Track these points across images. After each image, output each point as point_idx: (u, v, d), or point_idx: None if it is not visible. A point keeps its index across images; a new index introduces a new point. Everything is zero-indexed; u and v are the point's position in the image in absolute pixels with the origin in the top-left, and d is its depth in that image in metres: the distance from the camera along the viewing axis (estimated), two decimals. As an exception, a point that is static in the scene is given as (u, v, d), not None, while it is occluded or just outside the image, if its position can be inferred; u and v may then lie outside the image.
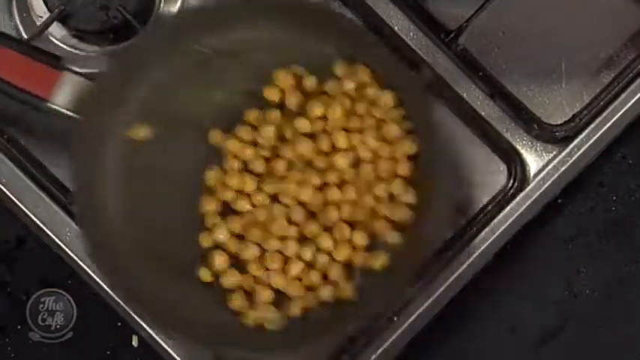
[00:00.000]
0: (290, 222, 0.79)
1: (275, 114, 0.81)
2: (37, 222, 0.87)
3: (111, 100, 0.82)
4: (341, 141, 0.79)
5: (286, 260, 0.79)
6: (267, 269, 0.80)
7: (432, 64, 0.83)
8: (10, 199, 0.87)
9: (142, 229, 0.82)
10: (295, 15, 0.81)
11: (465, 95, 0.86)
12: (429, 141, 0.78)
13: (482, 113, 0.86)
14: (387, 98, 0.79)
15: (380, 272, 0.79)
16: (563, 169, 0.86)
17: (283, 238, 0.79)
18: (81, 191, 0.81)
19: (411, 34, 0.87)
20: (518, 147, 0.86)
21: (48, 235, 0.87)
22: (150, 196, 0.82)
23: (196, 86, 0.83)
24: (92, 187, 0.82)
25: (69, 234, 0.87)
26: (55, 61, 0.82)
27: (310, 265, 0.79)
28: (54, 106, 0.81)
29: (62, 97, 0.81)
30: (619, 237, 0.90)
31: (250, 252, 0.80)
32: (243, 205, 0.80)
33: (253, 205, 0.80)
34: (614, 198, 0.90)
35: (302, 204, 0.80)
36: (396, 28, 0.86)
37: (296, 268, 0.79)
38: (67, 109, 0.81)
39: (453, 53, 0.87)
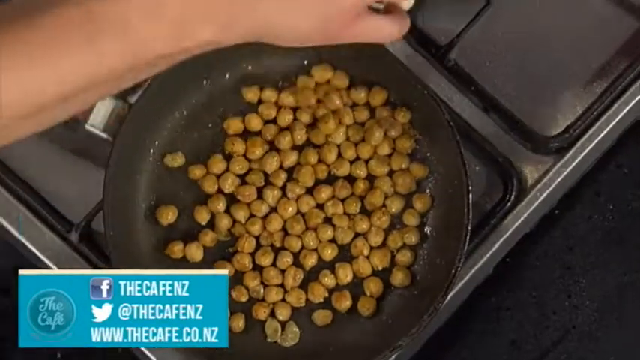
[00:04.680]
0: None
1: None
2: (35, 251, 0.86)
3: (145, 125, 0.83)
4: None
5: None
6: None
7: (425, 80, 0.83)
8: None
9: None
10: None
11: (458, 110, 0.87)
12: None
13: (477, 127, 0.86)
14: (402, 116, 0.84)
15: (411, 291, 0.83)
16: (559, 180, 0.87)
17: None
18: (112, 213, 0.81)
19: (402, 50, 0.87)
20: (514, 160, 0.87)
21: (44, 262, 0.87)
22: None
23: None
24: (123, 207, 0.83)
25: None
26: None
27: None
28: (90, 128, 0.81)
29: (98, 118, 0.80)
30: (617, 246, 0.90)
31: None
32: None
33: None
34: (611, 207, 0.90)
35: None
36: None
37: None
38: (103, 131, 0.81)
39: (445, 68, 0.87)
